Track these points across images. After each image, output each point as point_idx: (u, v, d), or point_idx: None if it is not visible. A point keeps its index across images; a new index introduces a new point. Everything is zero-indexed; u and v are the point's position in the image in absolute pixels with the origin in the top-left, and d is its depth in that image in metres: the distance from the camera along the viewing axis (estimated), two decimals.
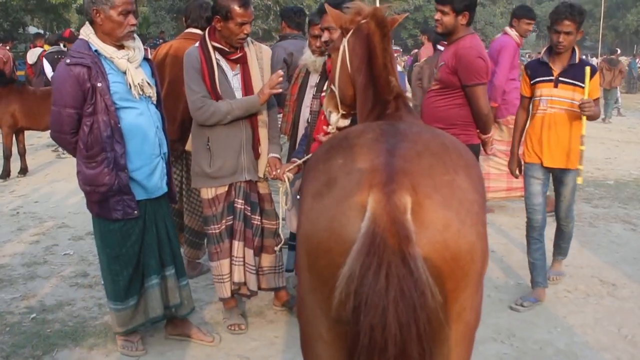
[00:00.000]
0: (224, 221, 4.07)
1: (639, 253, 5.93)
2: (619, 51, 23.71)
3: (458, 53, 4.16)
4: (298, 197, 4.02)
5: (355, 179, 1.74)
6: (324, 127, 3.61)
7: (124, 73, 3.55)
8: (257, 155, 4.10)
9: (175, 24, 29.81)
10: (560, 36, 4.44)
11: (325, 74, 3.95)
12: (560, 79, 4.51)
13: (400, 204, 1.67)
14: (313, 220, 1.79)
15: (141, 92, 3.59)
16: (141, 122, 3.63)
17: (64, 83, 3.43)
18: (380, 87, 2.80)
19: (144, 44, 3.88)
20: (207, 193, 4.07)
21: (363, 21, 2.97)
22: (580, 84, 4.42)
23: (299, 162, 3.94)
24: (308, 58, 4.39)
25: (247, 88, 4.01)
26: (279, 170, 4.01)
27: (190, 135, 4.23)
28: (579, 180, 4.60)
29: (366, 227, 1.66)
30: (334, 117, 3.42)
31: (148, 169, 3.70)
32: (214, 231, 4.09)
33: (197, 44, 3.99)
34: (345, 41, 3.11)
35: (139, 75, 3.60)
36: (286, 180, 3.95)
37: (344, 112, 3.36)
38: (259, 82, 4.05)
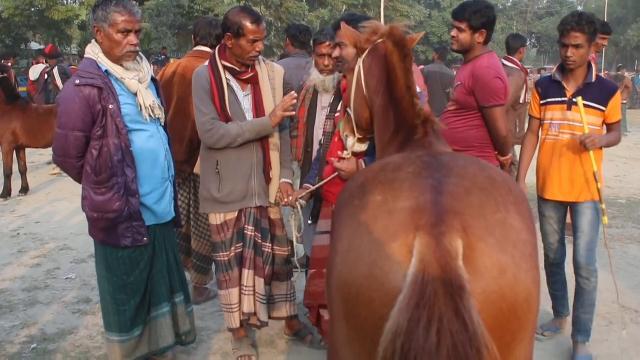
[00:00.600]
0: (233, 248, 3.91)
1: None
2: (624, 68, 23.72)
3: (475, 73, 4.00)
4: (310, 222, 3.87)
5: (398, 220, 1.57)
6: (339, 153, 3.47)
7: (135, 94, 3.41)
8: (268, 180, 3.93)
9: (176, 40, 29.80)
10: (568, 50, 3.93)
11: (340, 94, 3.80)
12: (575, 100, 4.00)
13: (452, 249, 1.50)
14: (351, 264, 1.61)
15: (152, 114, 3.45)
16: (152, 145, 3.49)
17: (73, 105, 3.26)
18: (404, 110, 2.65)
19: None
20: (216, 219, 3.91)
21: (380, 41, 2.84)
22: (599, 107, 4.00)
23: (313, 188, 3.78)
24: (316, 78, 4.24)
25: (259, 109, 3.85)
26: (291, 198, 3.85)
27: (199, 158, 4.07)
28: (605, 221, 4.03)
29: (414, 275, 1.48)
30: (351, 142, 3.29)
31: (158, 194, 3.56)
32: (222, 259, 3.92)
33: (206, 64, 3.84)
34: (360, 61, 2.98)
35: (150, 97, 3.47)
36: (299, 207, 3.79)
37: (360, 137, 3.22)
38: (271, 103, 3.89)
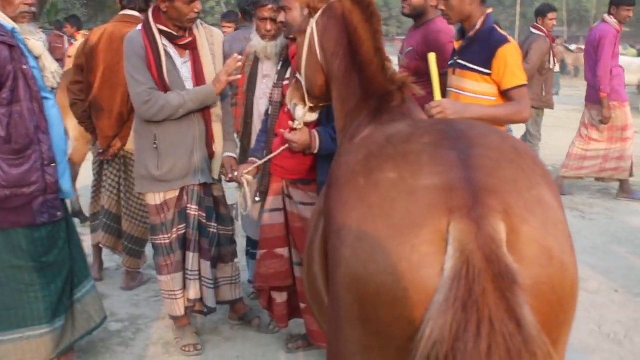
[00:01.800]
0: (175, 230, 3.57)
1: (593, 241, 5.83)
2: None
3: (428, 38, 3.82)
4: (257, 199, 3.58)
5: (424, 200, 1.30)
6: (290, 123, 3.19)
7: (37, 58, 3.05)
8: (211, 154, 3.61)
9: (86, 11, 28.24)
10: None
11: (288, 61, 3.51)
12: (458, 61, 3.43)
13: (496, 234, 1.24)
14: (365, 256, 1.33)
15: (54, 81, 3.14)
16: (55, 114, 3.17)
17: None
18: (372, 75, 2.40)
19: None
20: (155, 198, 3.55)
21: None
22: (479, 69, 3.26)
23: (260, 162, 3.48)
24: (257, 44, 3.92)
25: (199, 77, 3.51)
26: (236, 173, 3.53)
27: (132, 132, 3.69)
28: None
29: (454, 269, 1.22)
30: (300, 111, 3.00)
31: (63, 167, 3.23)
32: (163, 241, 3.58)
33: (139, 28, 3.45)
34: (313, 22, 2.70)
35: (54, 62, 3.16)
36: (245, 183, 3.49)
37: (311, 105, 2.95)
38: (211, 70, 3.56)
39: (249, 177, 3.49)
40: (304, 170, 3.36)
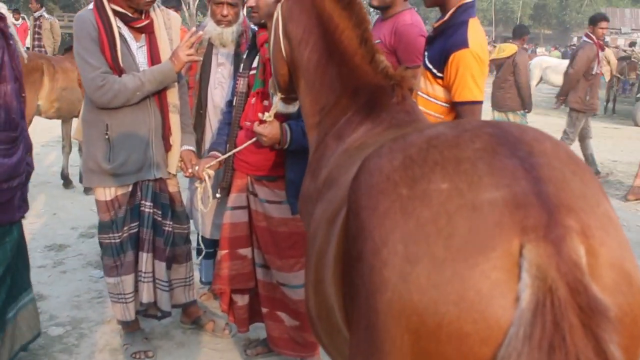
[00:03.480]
0: (126, 228, 3.30)
1: None
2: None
3: (398, 30, 3.64)
4: (218, 195, 3.35)
5: (491, 218, 1.11)
6: (260, 115, 2.97)
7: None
8: (168, 147, 3.34)
9: None
10: None
11: (255, 48, 3.28)
12: (425, 52, 2.96)
13: (579, 260, 1.07)
14: (420, 283, 1.13)
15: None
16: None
17: None
18: (357, 67, 2.22)
19: None
20: (105, 194, 3.26)
21: None
22: (434, 71, 2.84)
23: (223, 157, 3.24)
24: (212, 30, 3.69)
25: (155, 63, 3.23)
26: (196, 167, 3.29)
27: (80, 121, 3.38)
28: None
29: (534, 300, 1.04)
30: (275, 100, 2.83)
31: None
32: (112, 240, 3.30)
33: (90, 6, 3.15)
34: (279, 6, 2.49)
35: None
36: (206, 178, 3.25)
37: (282, 96, 2.76)
38: (168, 54, 3.28)
39: (211, 172, 3.26)
40: (270, 166, 3.14)
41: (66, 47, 6.77)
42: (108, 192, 3.26)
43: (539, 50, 30.42)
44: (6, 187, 2.53)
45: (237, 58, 3.73)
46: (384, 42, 3.71)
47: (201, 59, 3.33)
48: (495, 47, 26.07)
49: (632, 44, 17.05)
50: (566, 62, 18.76)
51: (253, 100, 3.18)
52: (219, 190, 3.35)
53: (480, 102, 2.78)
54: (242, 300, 3.33)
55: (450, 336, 1.09)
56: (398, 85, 2.08)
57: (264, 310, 3.30)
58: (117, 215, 3.27)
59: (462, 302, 1.08)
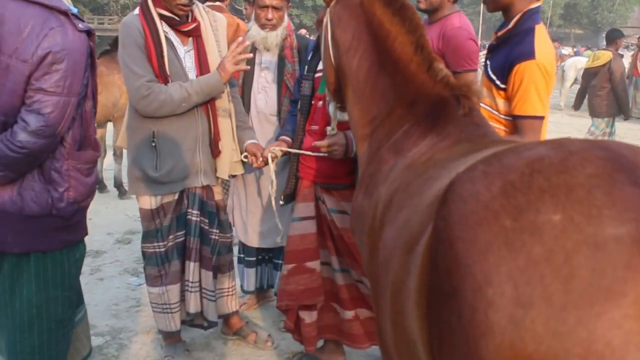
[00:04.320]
0: (171, 237, 3.22)
1: None
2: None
3: (446, 34, 3.52)
4: (282, 202, 3.25)
5: (619, 257, 0.97)
6: (328, 128, 2.90)
7: None
8: (216, 153, 3.25)
9: None
10: None
11: (319, 50, 3.20)
12: (487, 61, 2.81)
13: None
14: (537, 329, 0.99)
15: None
16: None
17: (81, 56, 2.21)
18: (412, 76, 2.12)
19: None
20: (151, 202, 3.19)
21: None
22: (497, 82, 2.68)
23: (292, 151, 3.15)
24: (256, 34, 3.59)
25: (203, 68, 3.16)
26: (266, 154, 3.19)
27: (124, 128, 3.31)
28: None
29: None
30: (332, 109, 2.76)
31: None
32: (157, 250, 3.22)
33: (136, 12, 3.08)
34: (327, 12, 2.42)
35: None
36: (269, 158, 3.15)
37: (338, 105, 2.68)
38: (216, 59, 3.20)
39: (277, 151, 3.17)
40: (339, 174, 3.04)
41: (102, 51, 6.73)
42: (154, 201, 3.19)
43: (566, 50, 29.85)
44: (84, 205, 2.42)
45: (281, 62, 3.65)
46: (431, 46, 3.59)
47: (248, 67, 3.24)
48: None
49: None
50: None
51: (320, 103, 3.09)
52: (282, 197, 3.27)
53: (542, 118, 2.59)
54: (309, 317, 3.17)
55: None
56: (464, 96, 1.96)
57: (350, 314, 3.13)
58: (162, 223, 3.20)
59: (590, 356, 0.94)
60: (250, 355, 3.58)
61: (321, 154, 2.97)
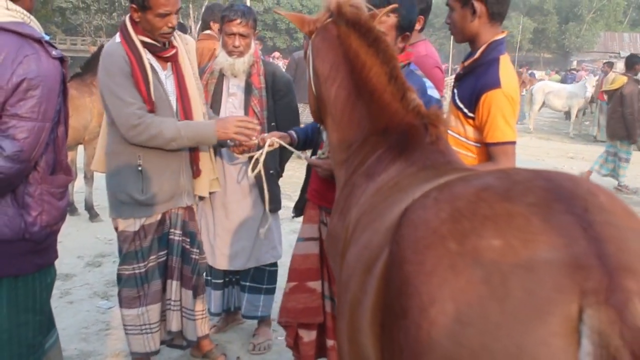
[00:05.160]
0: (153, 257, 3.27)
1: None
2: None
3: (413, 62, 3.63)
4: (293, 215, 3.37)
5: (549, 280, 1.05)
6: (319, 152, 3.00)
7: None
8: (197, 173, 3.35)
9: None
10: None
11: None
12: (454, 90, 2.91)
13: None
14: (473, 347, 1.07)
15: None
16: None
17: (55, 82, 2.27)
18: (386, 105, 2.19)
19: None
20: (135, 224, 3.23)
21: (329, 20, 2.39)
22: (465, 110, 2.76)
23: (302, 155, 3.22)
24: (223, 61, 3.67)
25: (183, 92, 3.26)
26: (267, 137, 3.16)
27: (104, 153, 3.33)
28: None
29: None
30: (324, 135, 2.83)
31: None
32: (136, 271, 3.24)
33: (117, 40, 3.13)
34: (310, 42, 2.52)
35: None
36: (266, 146, 3.10)
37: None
38: (192, 84, 3.32)
39: (276, 142, 3.13)
40: None
41: (73, 75, 6.74)
42: (137, 223, 3.23)
43: (538, 74, 30.49)
44: (56, 229, 2.45)
45: (248, 88, 3.73)
46: None
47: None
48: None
49: (609, 64, 17.26)
50: (568, 86, 18.97)
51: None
52: (293, 211, 3.38)
53: (513, 143, 2.71)
54: (308, 336, 3.20)
55: None
56: (432, 125, 2.05)
57: (330, 342, 3.18)
58: (142, 245, 3.24)
59: None
60: None
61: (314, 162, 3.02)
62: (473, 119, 2.73)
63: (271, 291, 3.98)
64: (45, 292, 2.48)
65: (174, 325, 3.33)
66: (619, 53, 39.20)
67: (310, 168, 3.23)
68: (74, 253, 5.74)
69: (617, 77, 9.26)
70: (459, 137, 2.80)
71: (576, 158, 13.06)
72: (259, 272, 3.89)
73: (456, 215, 1.21)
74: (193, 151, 3.30)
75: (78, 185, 7.21)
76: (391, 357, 1.28)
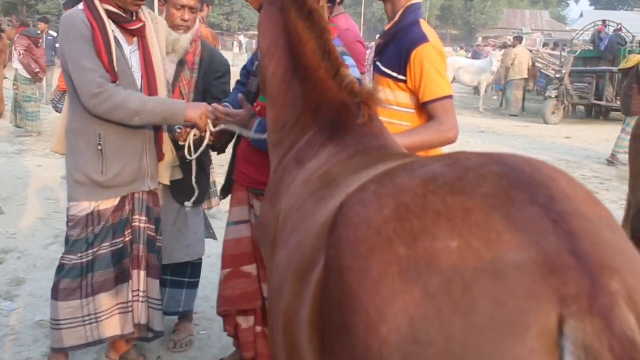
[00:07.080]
0: (106, 244, 2.99)
1: None
2: None
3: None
4: (220, 198, 3.33)
5: (520, 286, 0.88)
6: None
7: None
8: (161, 157, 3.13)
9: None
10: None
11: None
12: (376, 63, 2.82)
13: (634, 335, 0.85)
14: None
15: None
16: None
17: None
18: (320, 82, 2.03)
19: None
20: (89, 207, 2.95)
21: None
22: (393, 74, 2.68)
23: (237, 129, 2.87)
24: (167, 35, 3.36)
25: (149, 69, 3.01)
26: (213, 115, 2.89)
27: (63, 131, 3.08)
28: None
29: None
30: None
31: None
32: (82, 260, 2.96)
33: (81, 6, 2.87)
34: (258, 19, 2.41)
35: None
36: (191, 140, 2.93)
37: None
38: (159, 62, 3.09)
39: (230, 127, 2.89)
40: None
41: None
42: (92, 206, 2.95)
43: (446, 50, 31.18)
44: None
45: (180, 67, 3.43)
46: None
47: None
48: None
49: (518, 38, 18.02)
50: (477, 62, 19.44)
51: (258, 109, 2.92)
52: (220, 192, 3.30)
53: (451, 97, 2.63)
54: (246, 322, 3.07)
55: None
56: (364, 104, 1.88)
57: (259, 329, 3.05)
58: (94, 231, 2.97)
59: None
60: None
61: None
62: (405, 82, 2.65)
63: (194, 285, 3.74)
64: None
65: (143, 317, 3.12)
66: (522, 29, 40.43)
67: (236, 149, 3.06)
68: None
69: (633, 56, 9.84)
70: (391, 107, 2.69)
71: (488, 132, 13.37)
72: (180, 264, 3.63)
73: (403, 212, 1.03)
74: (157, 131, 3.07)
75: None
76: None
